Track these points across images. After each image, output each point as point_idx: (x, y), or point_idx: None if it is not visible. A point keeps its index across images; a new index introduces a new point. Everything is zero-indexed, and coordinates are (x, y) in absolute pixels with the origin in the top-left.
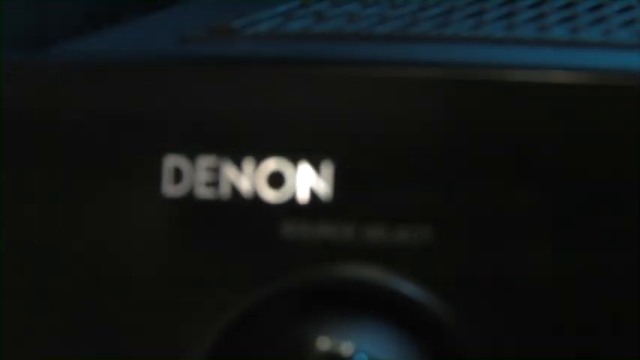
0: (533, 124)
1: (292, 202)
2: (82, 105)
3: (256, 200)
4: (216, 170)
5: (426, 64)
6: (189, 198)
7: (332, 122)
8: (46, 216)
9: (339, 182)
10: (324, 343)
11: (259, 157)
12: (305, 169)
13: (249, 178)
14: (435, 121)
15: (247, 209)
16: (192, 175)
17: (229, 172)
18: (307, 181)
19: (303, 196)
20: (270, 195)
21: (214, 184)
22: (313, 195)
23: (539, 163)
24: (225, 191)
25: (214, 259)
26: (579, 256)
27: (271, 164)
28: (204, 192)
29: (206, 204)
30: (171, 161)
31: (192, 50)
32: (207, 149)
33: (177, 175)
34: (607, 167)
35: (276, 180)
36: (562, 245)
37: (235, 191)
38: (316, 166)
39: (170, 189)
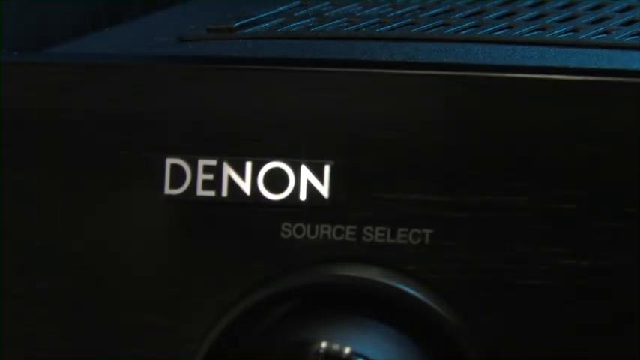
0: (533, 124)
1: (292, 202)
2: (82, 105)
3: (256, 200)
4: (216, 170)
5: (426, 64)
6: (189, 198)
7: (332, 122)
8: (46, 216)
9: (339, 182)
10: (323, 344)
11: (259, 158)
12: (305, 169)
13: (249, 178)
14: (435, 121)
15: (247, 209)
16: (193, 175)
17: (229, 172)
18: (307, 182)
19: (303, 197)
20: (270, 195)
21: (214, 184)
22: (313, 195)
23: (539, 163)
24: (225, 191)
25: (214, 259)
26: (579, 256)
27: (271, 165)
28: (204, 192)
29: (206, 204)
30: (172, 161)
31: (192, 50)
32: (208, 150)
33: (178, 175)
34: (607, 167)
35: (277, 180)
36: (562, 245)
37: (235, 191)
38: (316, 167)
39: (170, 189)
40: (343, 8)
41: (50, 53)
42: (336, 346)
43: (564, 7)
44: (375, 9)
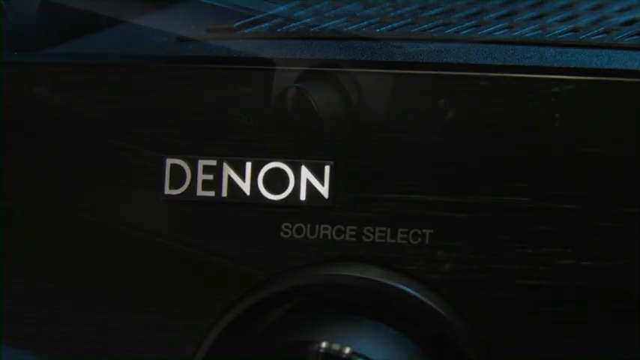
0: (533, 124)
1: (292, 202)
2: (82, 105)
3: (256, 200)
4: (216, 170)
5: (426, 64)
6: (189, 198)
7: (332, 122)
8: (46, 215)
9: (340, 183)
10: (323, 344)
11: (259, 158)
12: (305, 169)
13: (249, 179)
14: (435, 121)
15: (247, 209)
16: (192, 175)
17: (229, 172)
18: (307, 182)
19: (303, 197)
20: (270, 195)
21: (214, 184)
22: (313, 195)
23: (539, 163)
24: (225, 191)
25: (214, 259)
26: (579, 256)
27: (271, 165)
28: (204, 192)
29: (206, 204)
30: (172, 161)
31: (191, 50)
32: (208, 150)
33: (178, 175)
34: (607, 167)
35: (277, 180)
36: (562, 245)
37: (235, 191)
38: (316, 167)
39: (170, 189)
40: (343, 8)
41: (50, 53)
42: (336, 346)
43: (564, 7)
44: (375, 9)
